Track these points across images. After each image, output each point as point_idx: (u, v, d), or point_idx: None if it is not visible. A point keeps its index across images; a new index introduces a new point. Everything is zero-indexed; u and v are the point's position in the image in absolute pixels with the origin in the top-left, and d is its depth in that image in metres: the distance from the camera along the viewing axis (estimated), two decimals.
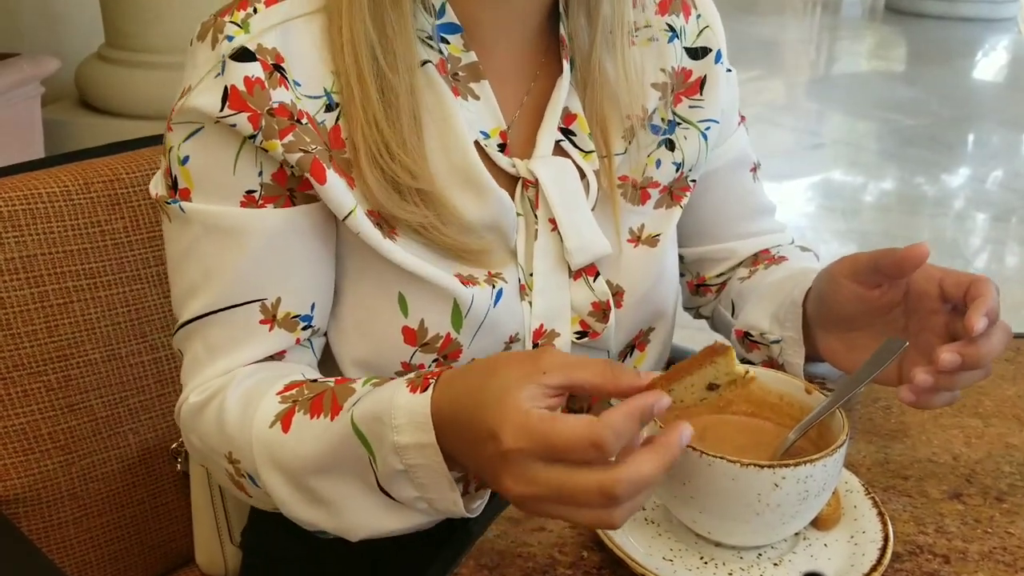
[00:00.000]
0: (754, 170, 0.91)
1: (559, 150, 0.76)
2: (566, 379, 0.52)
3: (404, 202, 0.68)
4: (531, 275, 0.75)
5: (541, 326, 0.75)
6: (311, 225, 0.69)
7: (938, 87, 5.72)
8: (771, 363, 0.79)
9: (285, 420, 0.63)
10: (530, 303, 0.75)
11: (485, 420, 0.51)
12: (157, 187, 0.71)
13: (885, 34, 7.55)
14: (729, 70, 0.85)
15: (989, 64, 6.77)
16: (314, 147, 0.66)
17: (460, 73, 0.72)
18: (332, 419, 0.61)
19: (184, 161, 0.68)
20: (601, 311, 0.77)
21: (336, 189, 0.67)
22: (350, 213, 0.67)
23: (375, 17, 0.66)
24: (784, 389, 0.64)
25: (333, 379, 0.66)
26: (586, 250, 0.75)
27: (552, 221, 0.74)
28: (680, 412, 0.64)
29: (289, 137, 0.65)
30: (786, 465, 0.54)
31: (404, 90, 0.67)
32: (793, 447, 0.61)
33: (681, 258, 0.89)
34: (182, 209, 0.68)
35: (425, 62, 0.70)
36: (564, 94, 0.75)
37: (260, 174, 0.67)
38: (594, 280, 0.77)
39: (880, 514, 0.62)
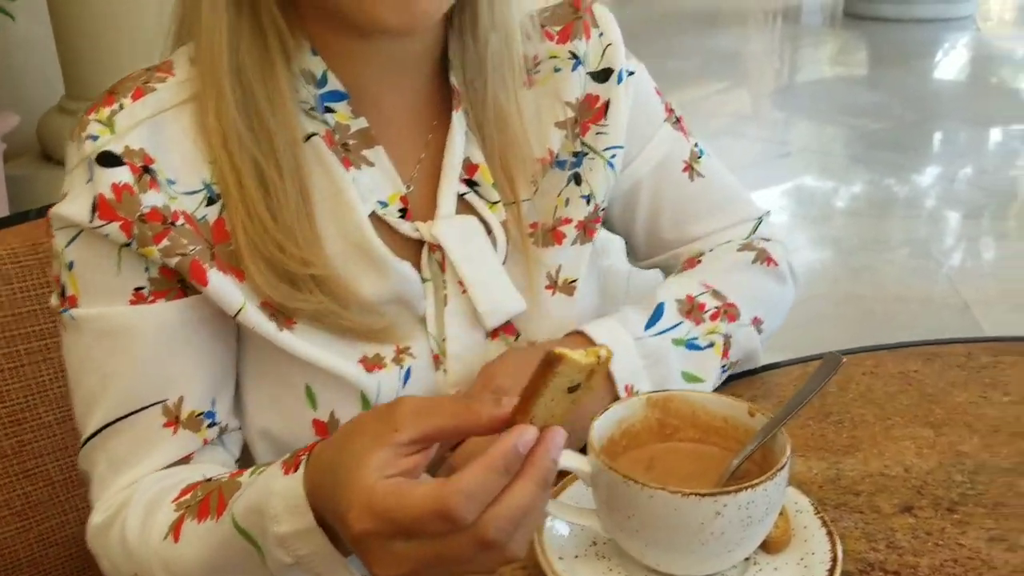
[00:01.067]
0: (688, 168, 0.85)
1: (464, 204, 0.73)
2: (420, 431, 0.48)
3: (298, 292, 0.66)
4: (444, 340, 0.73)
5: (458, 393, 0.73)
6: (206, 316, 0.67)
7: (900, 89, 5.77)
8: None
9: (176, 530, 0.61)
10: (445, 371, 0.73)
11: (339, 502, 0.48)
12: (54, 299, 0.69)
13: (845, 40, 7.63)
14: (631, 72, 0.81)
15: (949, 63, 6.86)
16: (192, 248, 0.64)
17: (350, 142, 0.69)
18: (217, 519, 0.58)
19: (70, 267, 0.66)
20: None
21: (221, 289, 0.65)
22: (240, 310, 0.65)
23: (244, 103, 0.64)
24: (728, 413, 0.64)
25: (228, 473, 0.64)
26: (498, 311, 0.73)
27: (462, 283, 0.72)
28: (629, 442, 0.64)
29: (164, 242, 0.63)
30: (726, 492, 0.54)
31: (288, 171, 0.65)
32: (739, 471, 0.61)
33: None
34: (72, 317, 0.66)
35: (310, 136, 0.67)
36: (459, 146, 0.72)
37: (147, 270, 0.65)
38: (515, 340, 0.75)
39: (829, 533, 0.62)
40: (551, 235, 0.78)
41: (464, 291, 0.73)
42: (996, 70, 6.59)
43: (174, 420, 0.67)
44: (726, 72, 6.54)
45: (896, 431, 0.76)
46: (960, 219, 3.70)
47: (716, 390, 0.78)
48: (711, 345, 0.78)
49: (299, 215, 0.66)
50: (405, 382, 0.71)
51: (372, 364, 0.70)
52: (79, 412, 0.69)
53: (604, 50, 0.79)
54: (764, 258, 0.85)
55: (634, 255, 0.90)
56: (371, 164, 0.70)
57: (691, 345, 0.76)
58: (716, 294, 0.80)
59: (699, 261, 0.85)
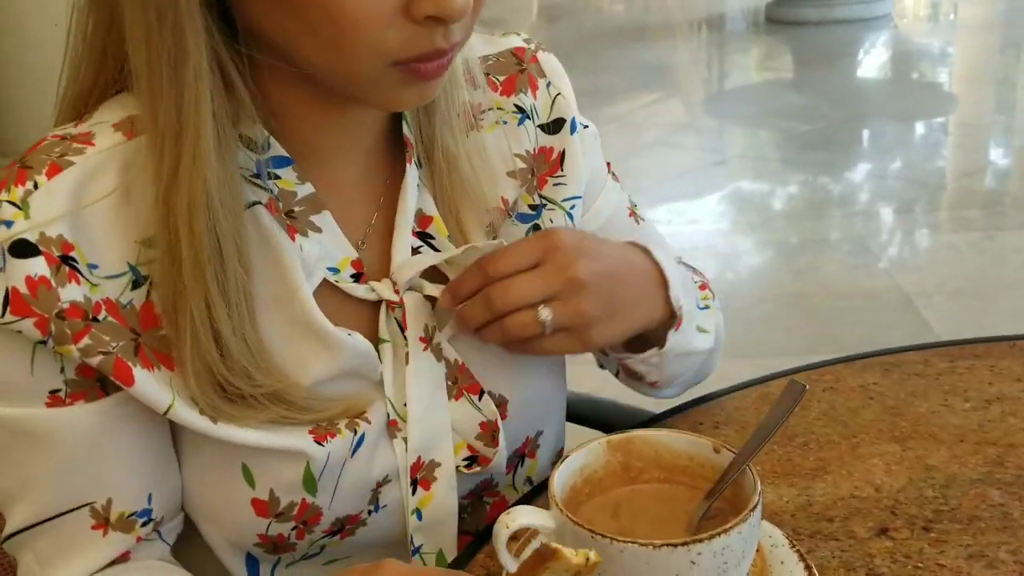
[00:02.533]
0: (632, 214, 0.85)
1: None
2: None
3: (247, 408, 0.61)
4: (404, 405, 0.69)
5: (419, 459, 0.69)
6: (131, 413, 0.62)
7: (826, 90, 5.89)
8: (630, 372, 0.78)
9: None
10: (404, 438, 0.69)
11: None
12: None
13: (770, 44, 7.78)
14: (586, 126, 0.80)
15: (870, 62, 7.02)
16: (115, 345, 0.59)
17: (296, 209, 0.64)
18: None
19: None
20: (490, 433, 0.72)
21: (148, 387, 0.59)
22: (169, 407, 0.60)
23: (221, 157, 0.58)
24: (693, 450, 0.61)
25: None
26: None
27: (424, 339, 0.69)
28: (592, 489, 0.61)
29: (85, 340, 0.58)
30: (699, 540, 0.51)
31: (234, 267, 0.59)
32: (710, 511, 0.58)
33: None
34: None
35: (253, 204, 0.62)
36: (412, 200, 0.69)
37: (62, 370, 0.59)
38: (479, 399, 0.71)
39: (807, 568, 0.59)
40: None
41: (426, 348, 0.69)
42: (915, 65, 6.77)
43: (103, 522, 0.62)
44: (657, 84, 6.62)
45: (863, 448, 0.74)
46: (894, 213, 3.76)
47: (675, 418, 0.78)
48: (707, 307, 0.81)
49: (243, 321, 0.60)
50: (354, 450, 0.67)
51: (324, 433, 0.65)
52: (1, 504, 0.64)
53: (553, 100, 0.76)
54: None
55: None
56: (318, 230, 0.65)
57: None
58: (695, 271, 0.85)
59: None
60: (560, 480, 0.58)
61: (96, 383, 0.61)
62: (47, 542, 0.62)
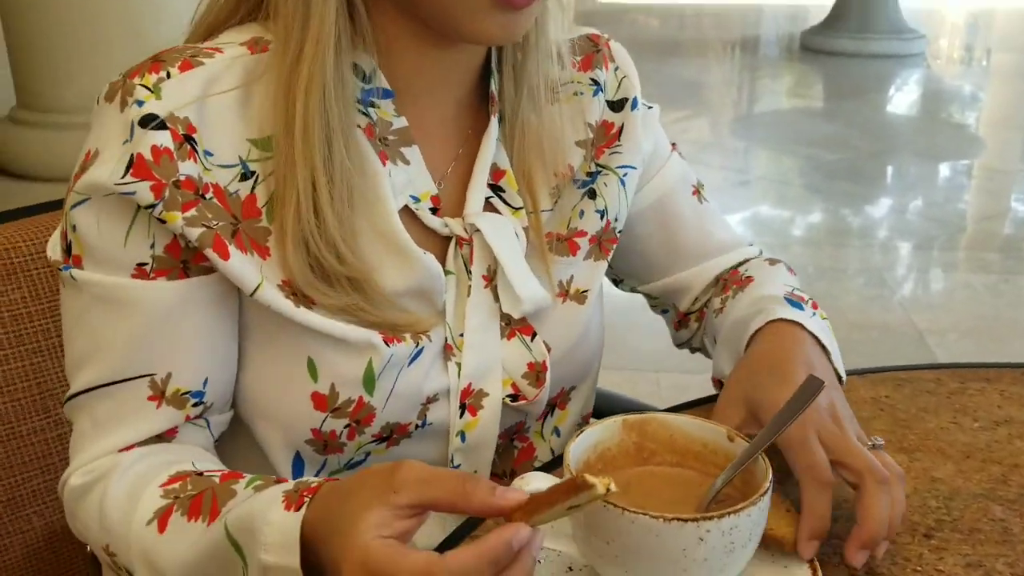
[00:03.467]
0: (696, 192, 0.90)
1: (489, 207, 0.75)
2: (417, 498, 0.51)
3: (330, 288, 0.66)
4: (461, 335, 0.73)
5: (469, 385, 0.73)
6: (206, 298, 0.67)
7: (856, 122, 5.89)
8: None
9: (162, 520, 0.60)
10: (457, 363, 0.73)
11: (334, 550, 0.51)
12: (54, 250, 0.68)
13: (802, 72, 7.78)
14: (650, 107, 0.85)
15: (902, 98, 7.02)
16: (216, 223, 0.64)
17: (390, 138, 0.70)
18: (209, 524, 0.58)
19: (74, 228, 0.65)
20: (535, 373, 0.75)
21: (239, 266, 0.64)
22: (257, 288, 0.65)
23: (336, 75, 0.64)
24: (708, 437, 0.63)
25: (219, 473, 0.64)
26: (532, 299, 0.74)
27: (486, 277, 0.73)
28: (605, 466, 0.62)
29: (192, 212, 0.63)
30: (709, 518, 0.53)
31: (346, 157, 0.65)
32: (719, 495, 0.59)
33: (651, 296, 0.90)
34: (73, 277, 0.65)
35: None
36: (491, 150, 0.75)
37: (152, 246, 0.64)
38: (531, 339, 0.75)
39: (811, 564, 0.60)
40: (565, 245, 0.80)
41: (487, 285, 0.74)
42: (945, 106, 6.76)
43: (159, 395, 0.67)
44: (686, 101, 6.63)
45: None
46: (913, 249, 3.76)
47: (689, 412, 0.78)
48: (826, 319, 0.81)
49: (350, 206, 0.66)
50: (412, 360, 0.71)
51: (392, 336, 0.70)
52: (68, 364, 0.69)
53: (620, 82, 0.83)
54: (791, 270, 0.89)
55: (646, 276, 0.91)
56: (407, 162, 0.71)
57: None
58: (798, 291, 0.83)
59: (750, 279, 0.86)
60: (575, 453, 0.59)
61: (180, 264, 0.65)
62: (104, 405, 0.66)
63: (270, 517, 0.54)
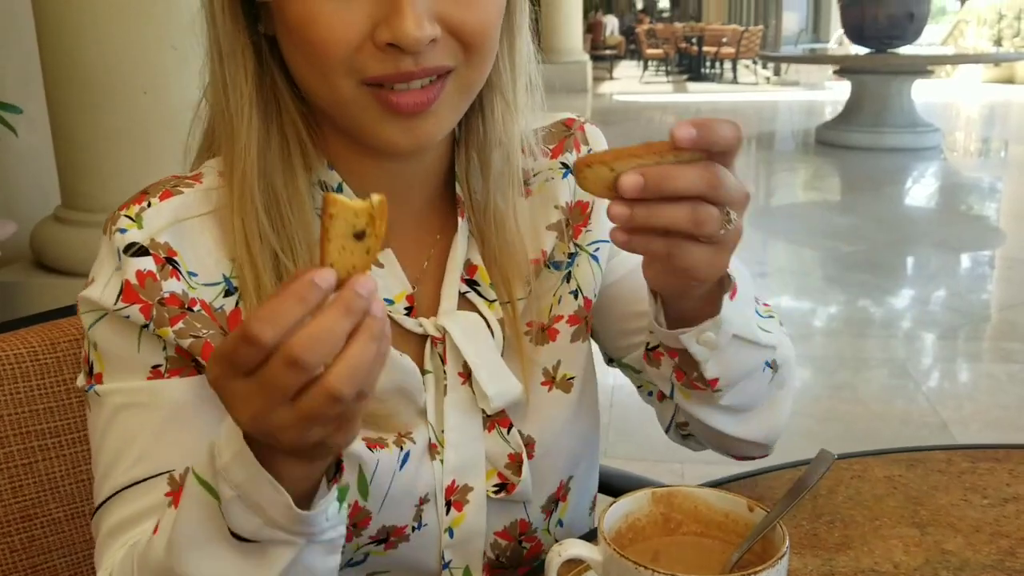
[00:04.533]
0: None
1: (465, 302, 0.78)
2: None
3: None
4: (443, 432, 0.76)
5: (453, 482, 0.77)
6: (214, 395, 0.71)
7: (873, 214, 5.97)
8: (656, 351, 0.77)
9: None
10: (441, 460, 0.76)
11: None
12: (81, 379, 0.73)
13: (818, 166, 7.91)
14: None
15: (919, 190, 7.11)
16: (206, 332, 0.69)
17: None
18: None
19: (95, 346, 0.71)
20: (517, 463, 0.79)
21: None
22: None
23: (269, 208, 0.70)
24: (729, 508, 0.67)
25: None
26: (503, 395, 0.77)
27: (462, 374, 0.77)
28: (635, 536, 0.67)
29: (179, 324, 0.69)
30: None
31: (303, 267, 0.70)
32: (741, 561, 0.64)
33: (634, 369, 0.88)
34: (97, 392, 0.71)
35: None
36: (462, 249, 0.78)
37: (164, 348, 0.70)
38: (508, 432, 0.79)
39: None
40: (545, 333, 0.82)
41: (464, 382, 0.77)
42: (963, 197, 6.83)
43: (177, 491, 0.69)
44: None
45: (884, 530, 0.79)
46: (935, 340, 3.78)
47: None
48: (770, 316, 0.81)
49: None
50: (402, 465, 0.74)
51: (374, 443, 0.73)
52: (96, 482, 0.72)
53: None
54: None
55: (626, 346, 0.89)
56: (381, 266, 0.75)
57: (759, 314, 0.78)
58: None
59: None
60: (608, 523, 0.64)
61: (191, 363, 0.70)
62: (125, 508, 0.69)
63: (220, 432, 0.57)
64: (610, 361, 0.92)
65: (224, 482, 0.56)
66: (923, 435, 2.89)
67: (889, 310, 4.23)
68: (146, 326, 0.68)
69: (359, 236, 0.52)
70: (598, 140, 0.87)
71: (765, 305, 0.82)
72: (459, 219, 0.78)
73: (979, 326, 3.98)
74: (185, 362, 0.70)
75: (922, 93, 8.82)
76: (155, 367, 0.70)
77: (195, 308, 0.69)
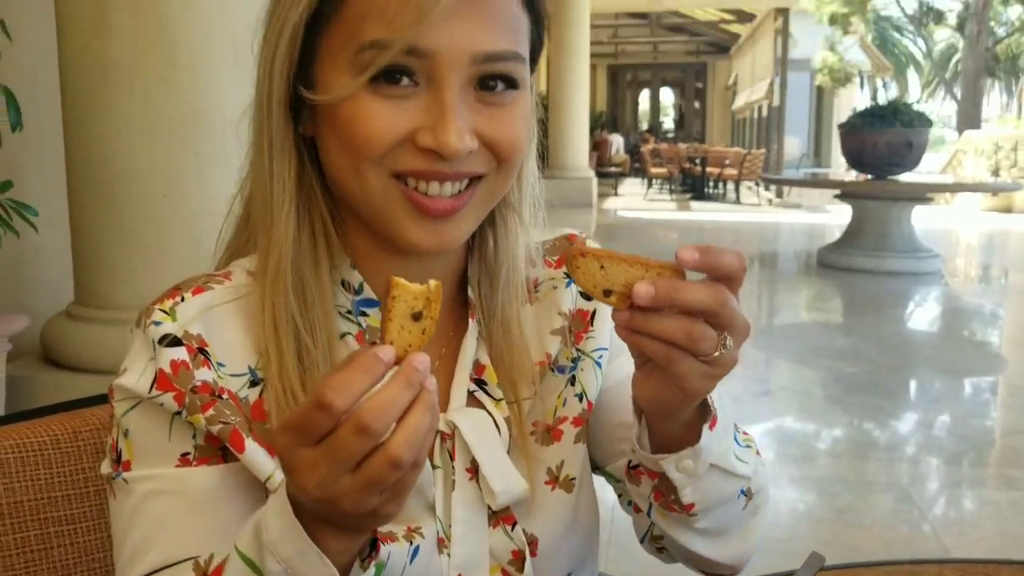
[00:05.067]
0: None
1: (473, 400, 0.82)
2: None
3: None
4: (450, 526, 0.78)
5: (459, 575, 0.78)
6: (241, 482, 0.74)
7: (874, 336, 6.00)
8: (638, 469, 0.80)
9: None
10: (448, 555, 0.78)
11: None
12: (105, 467, 0.76)
13: (820, 287, 7.98)
14: None
15: (919, 314, 7.15)
16: (234, 419, 0.73)
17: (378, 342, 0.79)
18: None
19: (126, 434, 0.74)
20: (520, 559, 0.80)
21: (255, 456, 0.72)
22: (269, 477, 0.73)
23: (297, 293, 0.74)
24: None
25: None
26: (509, 492, 0.79)
27: (470, 470, 0.79)
28: None
29: (210, 411, 0.72)
30: None
31: (322, 359, 0.74)
32: None
33: (615, 478, 0.91)
34: (125, 480, 0.73)
35: (344, 335, 0.77)
36: (471, 350, 0.83)
37: (194, 437, 0.73)
38: (512, 528, 0.81)
39: None
40: (551, 434, 0.85)
41: (472, 478, 0.79)
42: (965, 323, 6.86)
43: (202, 574, 0.71)
44: None
45: None
46: (939, 465, 3.75)
47: None
48: (748, 446, 0.84)
49: None
50: (412, 558, 0.76)
51: (384, 537, 0.75)
52: (119, 568, 0.73)
53: None
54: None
55: (611, 453, 0.92)
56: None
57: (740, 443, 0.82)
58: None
59: None
60: None
61: (219, 451, 0.73)
62: None
63: (266, 507, 0.60)
64: (594, 468, 0.94)
65: (271, 556, 0.59)
66: None
67: (892, 433, 4.22)
68: (179, 413, 0.71)
69: (416, 317, 0.58)
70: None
71: (744, 434, 0.86)
72: (470, 320, 0.83)
73: (983, 452, 3.95)
74: (213, 450, 0.73)
75: (922, 219, 8.98)
76: (184, 455, 0.72)
77: (223, 396, 0.73)
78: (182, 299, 0.74)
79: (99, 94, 2.68)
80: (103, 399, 0.99)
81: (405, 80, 0.69)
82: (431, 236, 0.73)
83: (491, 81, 0.71)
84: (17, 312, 2.96)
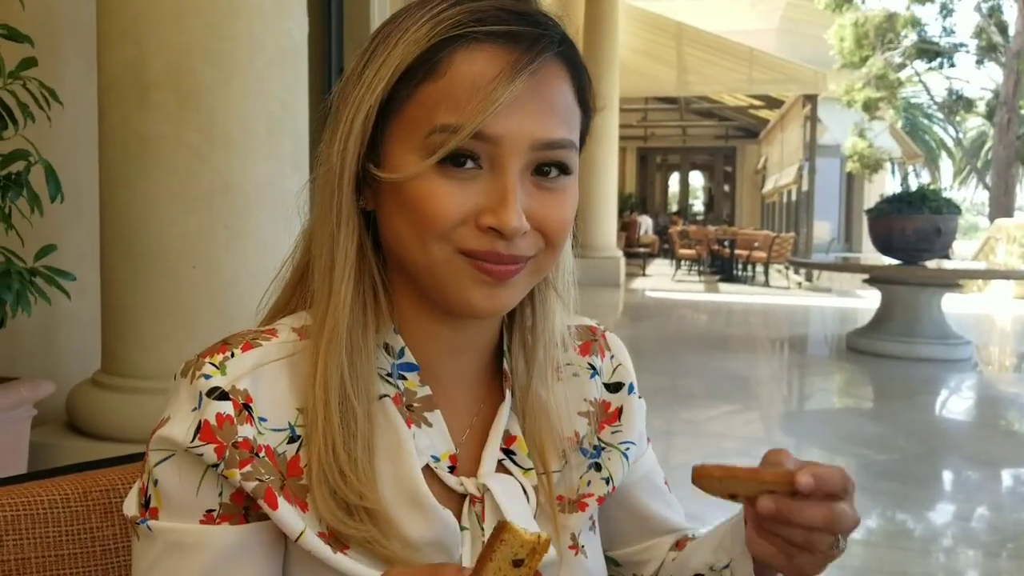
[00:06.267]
0: (666, 483, 1.03)
1: (502, 468, 0.85)
2: None
3: (350, 518, 0.75)
4: None
5: None
6: (261, 543, 0.76)
7: (903, 424, 5.89)
8: None
9: None
10: None
11: None
12: (130, 508, 0.78)
13: (850, 372, 7.88)
14: (640, 397, 0.98)
15: (952, 402, 7.02)
16: (269, 477, 0.75)
17: (415, 404, 0.82)
18: None
19: (156, 483, 0.76)
20: None
21: (287, 514, 0.74)
22: (301, 534, 0.74)
23: (347, 353, 0.77)
24: None
25: None
26: None
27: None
28: None
29: (247, 468, 0.74)
30: None
31: (362, 416, 0.77)
32: None
33: (616, 563, 0.98)
34: (149, 528, 0.75)
35: (383, 396, 0.80)
36: (505, 419, 0.86)
37: (220, 494, 0.75)
38: None
39: None
40: (576, 504, 0.88)
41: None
42: (1002, 412, 6.72)
43: None
44: (735, 395, 6.73)
45: None
46: (975, 556, 3.65)
47: None
48: None
49: (364, 454, 0.77)
50: None
51: None
52: None
53: (615, 368, 0.97)
54: None
55: (618, 542, 1.01)
56: (430, 425, 0.82)
57: None
58: None
59: (692, 539, 0.99)
60: None
61: (242, 510, 0.75)
62: None
63: None
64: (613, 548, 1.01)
65: None
66: None
67: (925, 524, 4.11)
68: (216, 466, 0.73)
69: (517, 563, 0.59)
70: (618, 347, 0.99)
71: None
72: (506, 391, 0.87)
73: (1021, 544, 3.83)
74: (237, 509, 0.75)
75: (954, 306, 8.89)
76: (208, 511, 0.74)
77: (261, 454, 0.75)
78: (232, 354, 0.77)
79: (136, 166, 2.76)
80: (115, 461, 1.00)
81: (469, 163, 0.75)
82: (487, 299, 0.77)
83: (547, 167, 0.77)
84: (44, 379, 2.99)
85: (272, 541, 0.76)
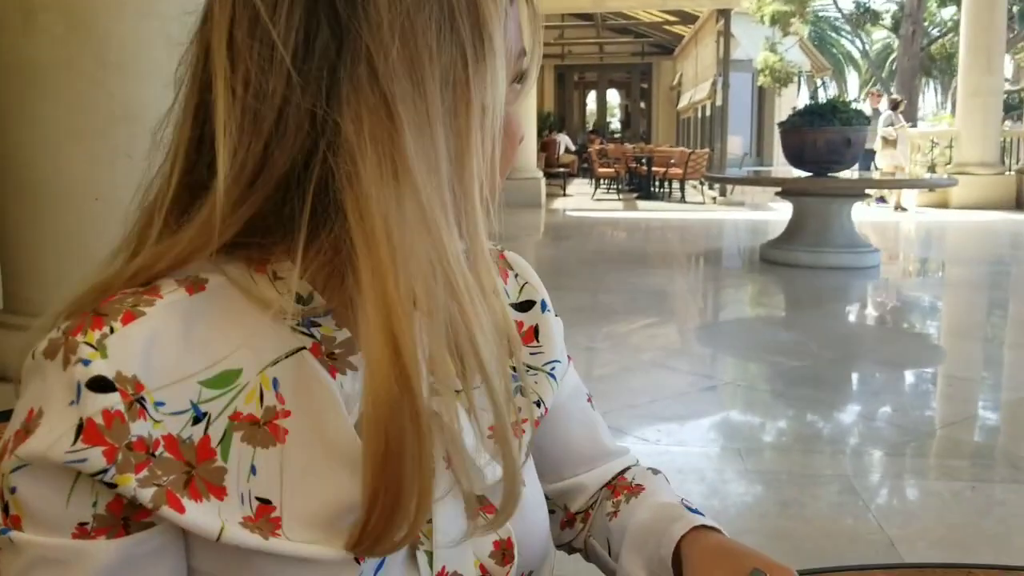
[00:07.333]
0: (589, 400, 0.98)
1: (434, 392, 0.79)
2: None
3: None
4: (429, 521, 0.75)
5: (444, 568, 0.75)
6: (146, 553, 0.66)
7: (816, 331, 6.09)
8: None
9: None
10: (427, 551, 0.74)
11: None
12: None
13: (763, 283, 8.09)
14: (557, 316, 0.93)
15: (860, 308, 7.28)
16: (166, 478, 0.64)
17: (336, 351, 0.73)
18: None
19: (13, 491, 0.63)
20: (501, 551, 0.78)
21: (199, 515, 0.64)
22: (221, 532, 0.65)
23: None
24: None
25: None
26: (493, 474, 0.76)
27: (446, 459, 0.74)
28: None
29: (144, 472, 0.63)
30: None
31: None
32: None
33: (547, 497, 0.92)
34: (11, 540, 0.64)
35: (299, 349, 0.70)
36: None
37: (94, 504, 0.63)
38: (492, 518, 0.76)
39: None
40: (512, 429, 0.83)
41: (448, 467, 0.74)
42: (904, 316, 7.01)
43: None
44: (654, 308, 6.85)
45: None
46: (882, 456, 3.81)
47: None
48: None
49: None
50: (376, 572, 0.71)
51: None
52: None
53: (522, 287, 0.91)
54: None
55: (544, 476, 0.94)
56: (355, 369, 0.72)
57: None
58: (685, 500, 0.90)
59: (640, 487, 0.94)
60: None
61: (120, 521, 0.64)
62: None
63: None
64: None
65: None
66: (870, 554, 2.89)
67: (835, 426, 4.28)
68: (103, 472, 0.61)
69: None
70: (521, 265, 0.93)
71: None
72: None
73: (924, 443, 4.03)
74: (114, 520, 0.64)
75: (861, 215, 9.13)
76: (81, 524, 0.63)
77: (157, 452, 0.63)
78: (112, 329, 0.63)
79: (26, 95, 2.60)
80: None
81: None
82: None
83: None
84: None
85: (161, 547, 0.65)
